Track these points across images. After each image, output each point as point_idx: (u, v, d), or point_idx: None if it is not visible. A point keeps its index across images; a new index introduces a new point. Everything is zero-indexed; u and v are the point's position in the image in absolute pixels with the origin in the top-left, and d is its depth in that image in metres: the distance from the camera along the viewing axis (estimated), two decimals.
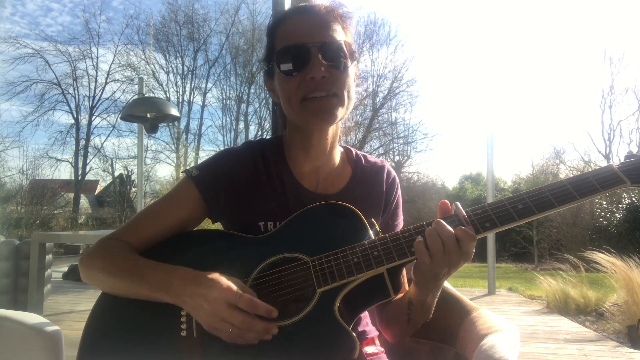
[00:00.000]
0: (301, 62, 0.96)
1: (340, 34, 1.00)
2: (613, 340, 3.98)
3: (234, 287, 0.86)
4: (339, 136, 1.12)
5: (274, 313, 0.86)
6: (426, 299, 0.96)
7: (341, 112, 1.00)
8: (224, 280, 0.87)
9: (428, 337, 1.16)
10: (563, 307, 5.11)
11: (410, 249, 0.89)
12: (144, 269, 0.94)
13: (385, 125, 20.28)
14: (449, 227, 0.86)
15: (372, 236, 0.94)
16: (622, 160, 0.91)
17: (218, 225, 1.17)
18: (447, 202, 0.93)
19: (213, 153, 1.33)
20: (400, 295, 1.06)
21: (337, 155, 1.13)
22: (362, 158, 1.16)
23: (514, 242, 12.18)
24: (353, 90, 1.03)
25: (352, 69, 1.03)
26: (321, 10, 1.01)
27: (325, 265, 0.90)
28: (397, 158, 19.97)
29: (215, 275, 0.88)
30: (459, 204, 0.91)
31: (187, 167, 1.17)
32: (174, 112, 5.45)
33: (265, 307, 0.85)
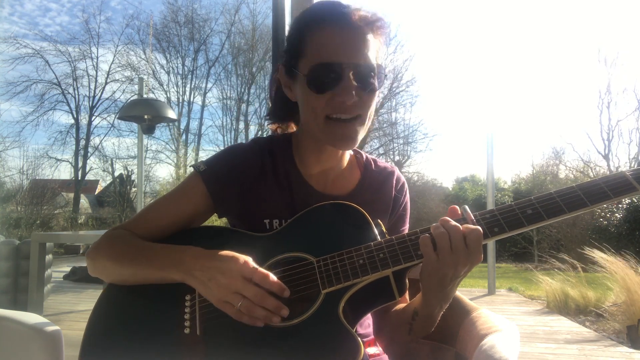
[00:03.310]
0: (332, 81, 0.93)
1: (372, 52, 0.96)
2: (613, 340, 3.98)
3: (250, 261, 0.87)
4: None
5: (287, 292, 0.86)
6: (433, 312, 0.94)
7: (362, 134, 1.00)
8: (240, 255, 0.88)
9: (428, 337, 1.16)
10: (563, 307, 5.11)
11: (416, 252, 0.87)
12: (152, 250, 0.96)
13: (385, 125, 20.28)
14: (456, 223, 0.84)
15: (378, 237, 0.93)
16: (635, 166, 0.88)
17: (225, 221, 1.16)
18: (457, 207, 0.90)
19: (213, 153, 1.32)
20: (403, 305, 1.05)
21: (347, 158, 1.12)
22: (372, 162, 1.15)
23: (514, 242, 12.16)
24: (374, 110, 1.02)
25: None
26: (358, 22, 0.95)
27: (331, 266, 0.90)
28: (397, 158, 19.96)
29: (229, 252, 0.89)
30: (467, 207, 0.89)
31: (195, 162, 1.16)
32: (171, 114, 5.45)
33: (279, 284, 0.86)
